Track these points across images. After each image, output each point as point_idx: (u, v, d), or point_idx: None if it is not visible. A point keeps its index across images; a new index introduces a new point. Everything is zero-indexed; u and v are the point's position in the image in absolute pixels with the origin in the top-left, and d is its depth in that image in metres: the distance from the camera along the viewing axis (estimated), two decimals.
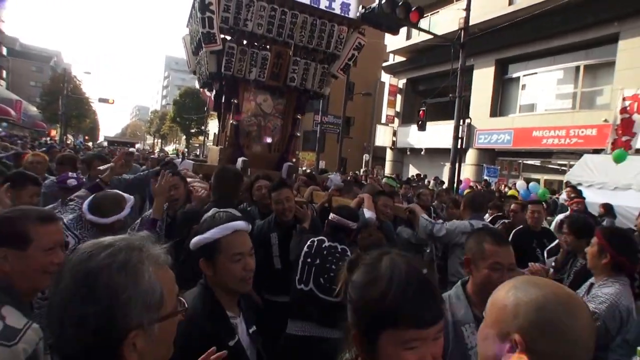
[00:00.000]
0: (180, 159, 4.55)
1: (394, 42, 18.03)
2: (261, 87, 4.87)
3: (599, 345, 1.09)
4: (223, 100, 4.94)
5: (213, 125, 36.84)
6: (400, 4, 6.77)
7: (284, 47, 4.77)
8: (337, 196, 3.73)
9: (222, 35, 4.51)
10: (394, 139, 19.35)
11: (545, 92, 14.20)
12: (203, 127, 32.63)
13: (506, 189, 11.61)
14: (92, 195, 2.14)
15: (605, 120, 10.67)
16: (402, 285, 0.78)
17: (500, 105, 15.79)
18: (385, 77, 20.66)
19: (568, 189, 6.92)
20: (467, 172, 15.34)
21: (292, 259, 2.50)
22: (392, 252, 0.89)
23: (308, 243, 2.42)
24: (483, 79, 15.74)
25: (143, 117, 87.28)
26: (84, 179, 2.99)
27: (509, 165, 15.61)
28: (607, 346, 1.72)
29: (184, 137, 43.00)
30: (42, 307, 1.37)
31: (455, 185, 10.85)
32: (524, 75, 14.88)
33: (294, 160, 5.03)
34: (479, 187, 11.80)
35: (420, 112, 12.13)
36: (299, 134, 5.18)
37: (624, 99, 8.27)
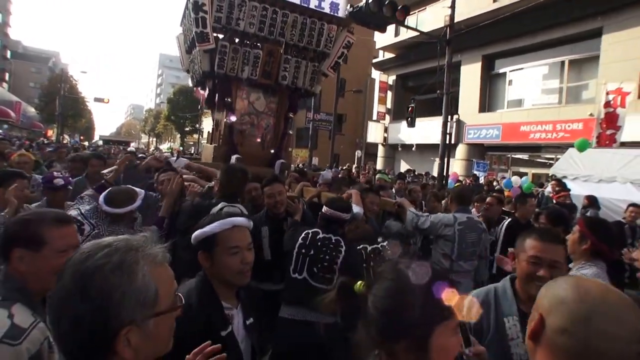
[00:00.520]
0: (175, 157, 4.62)
1: (383, 38, 18.18)
2: (253, 86, 4.96)
3: None
4: (216, 99, 5.00)
5: (207, 123, 36.57)
6: (386, 2, 6.89)
7: (276, 46, 4.86)
8: (326, 191, 3.84)
9: (215, 34, 4.58)
10: (385, 135, 19.53)
11: (532, 87, 14.50)
12: (197, 125, 32.40)
13: (495, 183, 11.87)
14: (108, 189, 2.34)
15: (591, 115, 10.95)
16: (419, 301, 0.85)
17: (488, 100, 16.06)
18: (376, 74, 20.80)
19: (553, 182, 7.14)
20: (457, 167, 15.61)
21: (286, 250, 2.62)
22: (400, 263, 0.93)
23: (302, 235, 2.54)
24: (471, 75, 15.99)
25: (138, 115, 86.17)
26: (70, 178, 3.04)
27: (498, 159, 15.91)
28: None
29: (179, 135, 42.73)
30: None
31: (444, 180, 11.07)
32: (511, 71, 15.16)
33: (286, 157, 5.12)
34: (467, 181, 12.07)
35: (409, 108, 12.30)
36: (291, 132, 5.29)
37: (607, 93, 8.52)
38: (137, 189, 2.40)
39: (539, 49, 13.80)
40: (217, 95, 4.97)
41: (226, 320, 1.35)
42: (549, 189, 7.22)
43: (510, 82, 15.25)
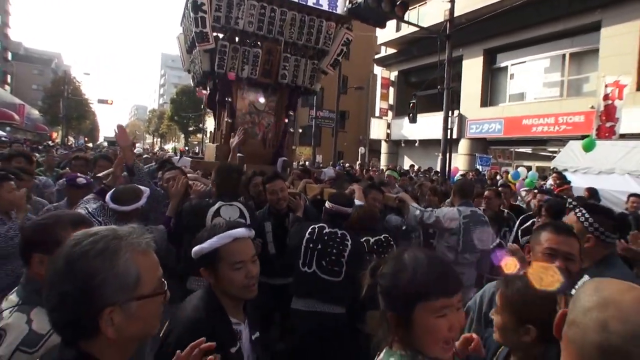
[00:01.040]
0: (178, 157, 4.70)
1: (384, 34, 18.12)
2: (253, 85, 5.01)
3: None
4: (217, 99, 5.07)
5: (210, 123, 36.52)
6: None
7: (275, 44, 4.91)
8: (329, 188, 3.91)
9: (214, 34, 4.64)
10: (388, 131, 19.52)
11: (534, 80, 14.43)
12: (201, 125, 32.44)
13: (498, 177, 11.86)
14: (114, 189, 2.41)
15: (592, 107, 10.88)
16: (426, 265, 0.96)
17: (490, 95, 16.01)
18: (378, 70, 20.76)
19: (554, 174, 7.16)
20: (460, 161, 15.60)
21: (292, 245, 2.70)
22: (409, 248, 1.06)
23: (309, 230, 2.63)
24: (472, 69, 15.94)
25: (141, 116, 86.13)
26: (91, 179, 3.21)
27: (501, 153, 15.87)
28: None
29: (183, 135, 42.75)
30: None
31: (447, 175, 11.08)
32: (512, 65, 15.09)
33: (287, 155, 5.19)
34: (470, 175, 12.07)
35: (411, 104, 12.29)
36: (292, 130, 5.34)
37: (606, 86, 8.50)
38: (143, 187, 2.47)
39: (540, 42, 13.72)
40: (217, 94, 5.03)
41: (234, 337, 1.31)
42: (550, 182, 7.24)
43: (511, 75, 15.18)
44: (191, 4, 4.39)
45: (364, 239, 2.78)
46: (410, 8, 10.18)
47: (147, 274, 0.80)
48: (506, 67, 15.34)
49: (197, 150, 30.34)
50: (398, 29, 17.87)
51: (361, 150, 20.14)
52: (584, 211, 1.85)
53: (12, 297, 1.18)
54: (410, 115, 12.28)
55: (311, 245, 2.56)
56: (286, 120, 5.16)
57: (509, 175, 10.16)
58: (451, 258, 3.29)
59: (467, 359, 1.23)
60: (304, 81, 5.05)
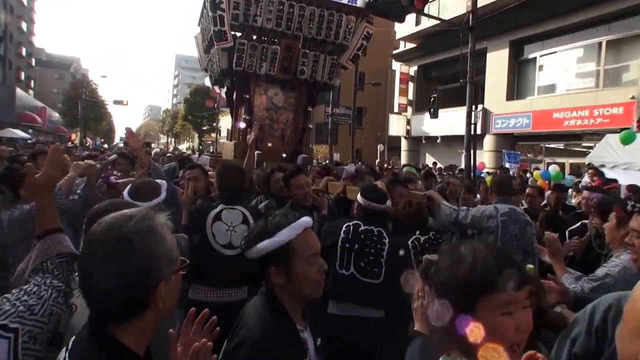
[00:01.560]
0: (197, 155, 4.67)
1: (403, 28, 17.70)
2: (271, 81, 4.92)
3: None
4: (235, 96, 5.01)
5: (224, 122, 36.94)
6: None
7: (293, 40, 4.80)
8: (351, 185, 3.76)
9: (232, 33, 4.58)
10: (408, 127, 19.10)
11: (565, 71, 13.70)
12: (215, 124, 32.77)
13: (528, 175, 11.36)
14: (131, 184, 2.28)
15: (633, 98, 10.24)
16: (489, 254, 0.85)
17: (517, 88, 15.36)
18: (396, 65, 20.34)
19: (590, 171, 6.72)
20: (486, 158, 15.05)
21: (327, 244, 2.52)
22: (464, 241, 0.95)
23: (344, 229, 2.48)
24: (497, 61, 15.32)
25: (155, 116, 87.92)
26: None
27: (530, 149, 15.20)
28: None
29: (197, 134, 43.34)
30: None
31: (471, 172, 10.69)
32: (541, 56, 14.38)
33: (306, 151, 5.07)
34: (497, 173, 11.60)
35: (432, 99, 11.91)
36: (311, 126, 5.22)
37: None
38: (160, 181, 2.30)
39: (572, 30, 12.99)
40: (235, 92, 4.98)
41: (304, 346, 1.16)
42: (586, 179, 6.80)
43: (540, 67, 14.48)
44: (210, 3, 4.35)
45: (413, 238, 2.59)
46: (430, 0, 9.86)
47: (176, 249, 0.87)
48: (534, 59, 14.64)
49: (211, 149, 30.66)
50: (418, 22, 17.42)
51: (380, 147, 19.80)
52: None
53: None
54: (431, 110, 11.91)
55: (347, 245, 2.41)
56: (306, 117, 5.04)
57: (537, 174, 9.69)
58: None
59: None
60: (323, 76, 4.93)
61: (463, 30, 10.64)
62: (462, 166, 12.13)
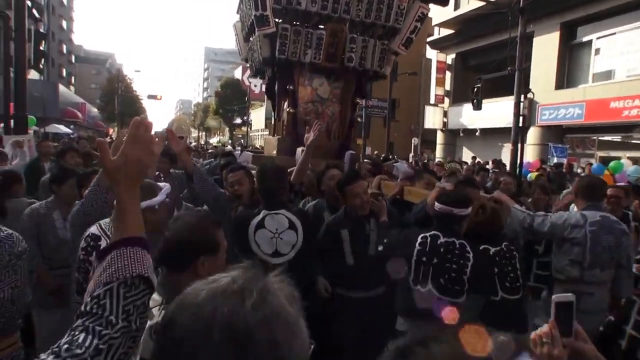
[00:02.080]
0: (239, 151, 4.37)
1: (440, 14, 16.66)
2: (316, 71, 4.53)
3: None
4: (277, 88, 4.67)
5: (255, 115, 37.16)
6: None
7: (340, 25, 4.37)
8: (409, 185, 3.33)
9: (275, 19, 4.22)
10: (445, 120, 18.23)
11: (626, 55, 12.37)
12: (245, 118, 33.03)
13: (579, 170, 10.44)
14: None
15: None
16: None
17: (567, 75, 14.15)
18: (432, 54, 19.34)
19: None
20: (530, 152, 14.03)
21: (399, 256, 2.30)
22: None
23: (420, 240, 2.21)
24: (546, 46, 14.14)
25: (186, 110, 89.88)
26: None
27: (580, 142, 14.01)
28: None
29: (227, 128, 43.87)
30: None
31: (517, 168, 9.90)
32: (598, 38, 13.07)
33: (354, 147, 4.66)
34: (548, 169, 10.68)
35: (475, 89, 11.11)
36: (360, 119, 4.80)
37: None
38: (161, 184, 1.98)
39: (634, 8, 11.69)
40: (277, 83, 4.63)
41: None
42: None
43: (597, 51, 13.17)
44: None
45: (481, 248, 2.27)
46: None
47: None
48: (589, 42, 13.35)
49: (242, 143, 30.72)
50: (457, 6, 16.42)
51: (414, 141, 19.02)
52: None
53: (155, 297, 1.14)
54: (474, 101, 11.12)
55: (424, 258, 2.17)
56: (353, 109, 4.62)
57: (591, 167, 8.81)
58: (575, 275, 2.71)
59: None
60: (372, 64, 4.48)
61: (512, 12, 9.80)
62: (504, 160, 11.35)
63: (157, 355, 0.63)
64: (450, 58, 18.40)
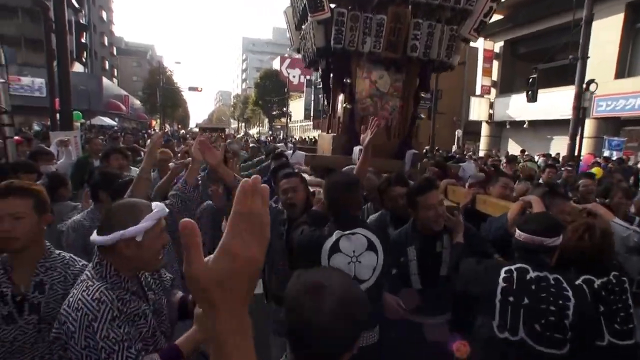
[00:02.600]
0: (291, 151, 4.06)
1: None
2: (376, 62, 4.11)
3: None
4: (332, 81, 4.31)
5: (294, 106, 37.16)
6: None
7: (403, 7, 3.92)
8: (481, 193, 2.86)
9: (330, 4, 3.83)
10: (491, 111, 17.20)
11: None
12: (285, 109, 32.92)
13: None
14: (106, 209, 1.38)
15: None
16: None
17: (630, 62, 12.81)
18: (478, 41, 18.17)
19: None
20: (583, 145, 12.93)
21: (473, 293, 1.86)
22: None
23: (503, 275, 1.74)
24: (606, 31, 12.80)
25: (226, 101, 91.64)
26: None
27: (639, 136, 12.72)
28: None
29: (267, 119, 44.11)
30: None
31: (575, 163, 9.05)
32: None
33: (416, 146, 4.22)
34: (610, 165, 9.69)
35: (530, 79, 10.24)
36: (422, 116, 4.35)
37: None
38: (154, 203, 1.36)
39: None
40: (332, 76, 4.27)
41: None
42: None
43: None
44: None
45: (581, 280, 1.82)
46: None
47: None
48: None
49: (280, 135, 30.63)
50: None
51: (458, 133, 18.13)
52: None
53: None
54: (529, 92, 10.25)
55: (511, 298, 1.71)
56: (416, 104, 4.17)
57: None
58: None
59: None
60: (439, 53, 3.98)
61: None
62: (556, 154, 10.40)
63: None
64: (498, 46, 17.19)
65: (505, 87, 16.65)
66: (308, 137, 29.45)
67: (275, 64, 44.12)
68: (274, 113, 38.57)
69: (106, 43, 40.32)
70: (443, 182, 3.29)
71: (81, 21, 10.92)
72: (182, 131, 37.23)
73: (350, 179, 2.12)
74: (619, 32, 12.55)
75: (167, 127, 39.24)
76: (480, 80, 17.32)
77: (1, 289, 1.34)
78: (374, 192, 2.86)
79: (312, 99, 31.33)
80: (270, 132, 35.41)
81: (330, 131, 4.43)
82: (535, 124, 14.84)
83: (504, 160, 10.51)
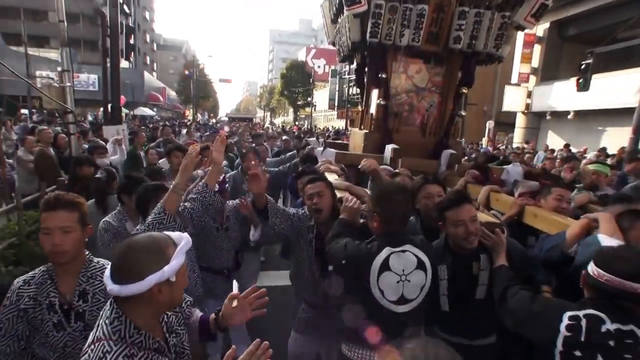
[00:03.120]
0: (321, 148, 3.93)
1: None
2: (414, 55, 3.85)
3: None
4: (366, 76, 4.10)
5: (318, 96, 37.62)
6: None
7: None
8: (531, 204, 2.55)
9: None
10: (529, 101, 16.15)
11: None
12: (310, 99, 33.52)
13: None
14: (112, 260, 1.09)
15: None
16: None
17: None
18: None
19: None
20: (627, 138, 11.88)
21: (527, 336, 1.60)
22: None
23: (567, 322, 1.42)
24: None
25: (253, 92, 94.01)
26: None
27: None
28: None
29: (291, 109, 45.20)
30: None
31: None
32: None
33: (454, 145, 3.96)
34: None
35: (582, 65, 9.32)
36: (463, 113, 4.06)
37: None
38: (174, 233, 1.12)
39: None
40: (367, 70, 4.06)
41: None
42: None
43: None
44: None
45: None
46: None
47: None
48: None
49: (305, 125, 30.93)
50: None
51: (489, 124, 17.25)
52: None
53: None
54: (580, 80, 9.37)
55: (578, 353, 1.38)
56: (457, 101, 3.90)
57: None
58: None
59: None
60: (486, 44, 3.66)
61: None
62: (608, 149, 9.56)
63: None
64: (542, 29, 15.93)
65: (548, 74, 15.50)
66: (332, 126, 29.43)
67: (301, 55, 44.82)
68: (299, 103, 39.23)
69: (148, 40, 46.12)
70: (485, 188, 3.03)
71: (130, 24, 11.74)
72: (213, 120, 38.97)
73: (404, 189, 1.97)
74: None
75: (199, 117, 41.12)
76: (518, 68, 16.21)
77: (50, 299, 1.42)
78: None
79: (337, 88, 31.27)
80: (294, 122, 36.21)
81: (362, 127, 4.24)
82: (582, 114, 13.78)
83: (544, 155, 9.82)
